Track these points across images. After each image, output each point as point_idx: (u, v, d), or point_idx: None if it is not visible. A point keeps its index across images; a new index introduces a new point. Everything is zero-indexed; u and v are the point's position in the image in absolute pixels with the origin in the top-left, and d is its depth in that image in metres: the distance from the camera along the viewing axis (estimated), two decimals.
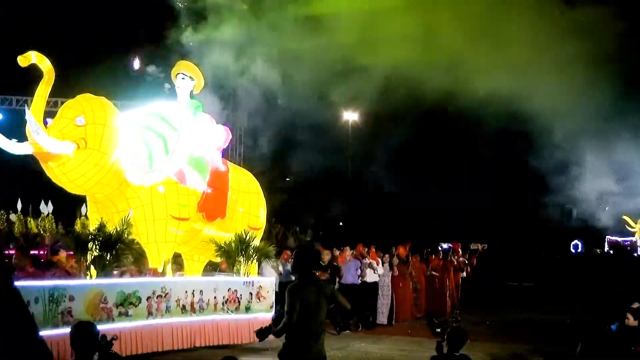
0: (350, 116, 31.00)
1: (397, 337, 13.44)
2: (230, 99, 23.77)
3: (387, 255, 15.90)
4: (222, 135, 12.68)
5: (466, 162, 32.17)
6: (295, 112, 20.73)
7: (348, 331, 13.53)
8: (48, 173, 10.24)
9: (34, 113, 9.68)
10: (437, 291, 17.79)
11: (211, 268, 13.61)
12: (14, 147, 9.98)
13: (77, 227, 10.34)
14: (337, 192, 30.97)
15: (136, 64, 24.59)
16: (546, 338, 13.25)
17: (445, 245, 23.29)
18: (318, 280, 6.45)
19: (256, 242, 12.69)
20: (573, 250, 30.61)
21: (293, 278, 7.86)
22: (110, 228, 10.24)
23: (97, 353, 4.68)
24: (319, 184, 29.86)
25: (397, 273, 15.78)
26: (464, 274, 19.34)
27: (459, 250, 19.93)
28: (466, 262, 19.73)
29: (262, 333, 5.84)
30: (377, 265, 15.38)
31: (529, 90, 20.44)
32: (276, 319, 6.12)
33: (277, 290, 12.72)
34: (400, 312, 15.98)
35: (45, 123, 10.13)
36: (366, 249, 15.75)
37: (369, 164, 31.27)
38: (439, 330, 6.10)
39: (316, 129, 24.64)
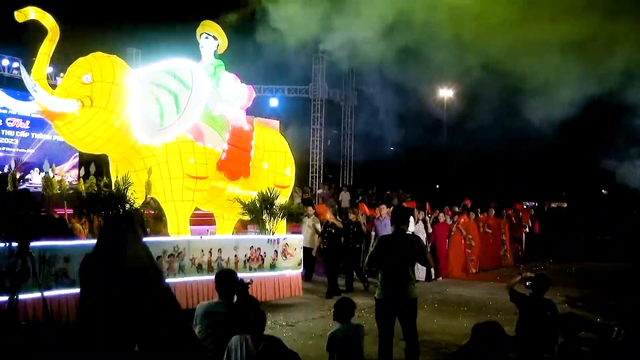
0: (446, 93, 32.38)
1: (486, 283, 14.97)
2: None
3: (421, 212, 15.74)
4: (245, 94, 12.47)
5: None
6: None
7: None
8: (58, 132, 10.25)
9: (35, 71, 9.57)
10: (491, 247, 18.37)
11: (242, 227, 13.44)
12: (19, 106, 10.02)
13: (80, 186, 10.25)
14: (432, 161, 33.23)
15: None
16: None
17: (527, 204, 25.38)
18: (409, 235, 7.47)
19: (282, 201, 12.44)
20: None
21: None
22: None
23: (235, 295, 5.56)
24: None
25: (430, 230, 15.72)
26: (527, 229, 20.26)
27: (518, 207, 20.75)
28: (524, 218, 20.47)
29: None
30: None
31: None
32: None
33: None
34: (452, 270, 16.29)
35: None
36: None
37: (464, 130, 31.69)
38: (529, 283, 6.86)
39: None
